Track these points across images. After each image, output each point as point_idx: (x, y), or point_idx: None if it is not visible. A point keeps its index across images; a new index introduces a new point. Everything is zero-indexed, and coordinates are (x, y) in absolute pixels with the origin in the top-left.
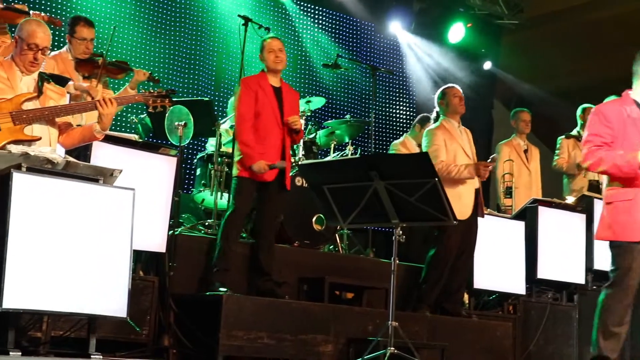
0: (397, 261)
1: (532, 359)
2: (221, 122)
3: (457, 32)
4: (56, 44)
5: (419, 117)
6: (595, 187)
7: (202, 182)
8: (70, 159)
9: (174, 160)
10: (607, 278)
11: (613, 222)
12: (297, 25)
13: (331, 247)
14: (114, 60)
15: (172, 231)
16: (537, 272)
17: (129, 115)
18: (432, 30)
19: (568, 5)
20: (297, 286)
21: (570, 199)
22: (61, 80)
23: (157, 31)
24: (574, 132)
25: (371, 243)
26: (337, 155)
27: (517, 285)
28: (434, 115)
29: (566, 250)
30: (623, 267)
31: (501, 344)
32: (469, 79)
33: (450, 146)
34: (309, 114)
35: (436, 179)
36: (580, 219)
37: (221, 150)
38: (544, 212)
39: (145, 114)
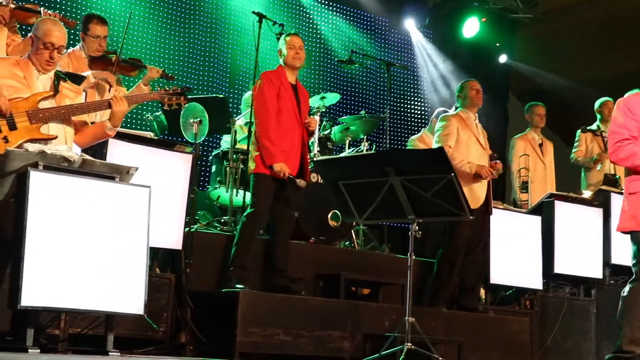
0: (414, 257)
1: (550, 354)
2: (236, 118)
3: (471, 26)
4: (71, 42)
5: (436, 111)
6: (611, 180)
7: (218, 179)
8: (87, 157)
9: (190, 157)
10: (624, 272)
11: (637, 212)
12: (311, 20)
13: (347, 243)
14: (127, 57)
15: (188, 228)
16: (554, 266)
17: (145, 113)
18: (446, 25)
19: None
20: (313, 282)
21: (587, 193)
22: (77, 79)
23: (172, 28)
24: (593, 126)
25: (387, 239)
26: (352, 151)
27: (534, 280)
28: (452, 110)
29: (583, 244)
30: None
31: (518, 339)
32: (484, 73)
33: (463, 135)
34: (323, 110)
35: (452, 175)
36: (597, 213)
37: (236, 147)
38: (560, 207)
39: (161, 112)
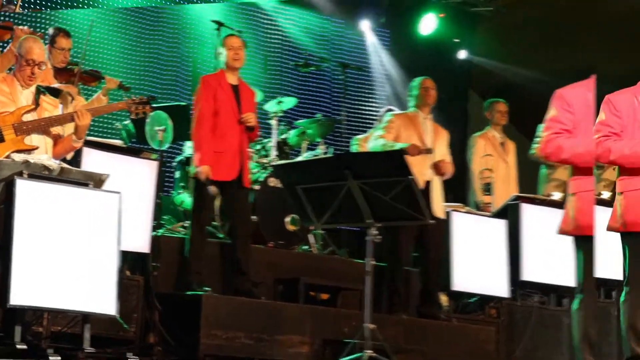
0: (373, 262)
1: None
2: None
3: (429, 23)
4: None
5: (382, 111)
6: None
7: (181, 184)
8: (65, 165)
9: (155, 164)
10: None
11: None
12: (268, 25)
13: (305, 247)
14: (88, 69)
15: (155, 232)
16: (521, 273)
17: (114, 122)
18: (403, 23)
19: None
20: (273, 287)
21: (556, 195)
22: (54, 92)
23: (137, 40)
24: None
25: (344, 243)
26: (309, 155)
27: (499, 287)
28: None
29: (553, 250)
30: None
31: (483, 348)
32: (443, 71)
33: (405, 134)
34: (281, 114)
35: (410, 177)
36: None
37: None
38: (526, 210)
39: (129, 120)
